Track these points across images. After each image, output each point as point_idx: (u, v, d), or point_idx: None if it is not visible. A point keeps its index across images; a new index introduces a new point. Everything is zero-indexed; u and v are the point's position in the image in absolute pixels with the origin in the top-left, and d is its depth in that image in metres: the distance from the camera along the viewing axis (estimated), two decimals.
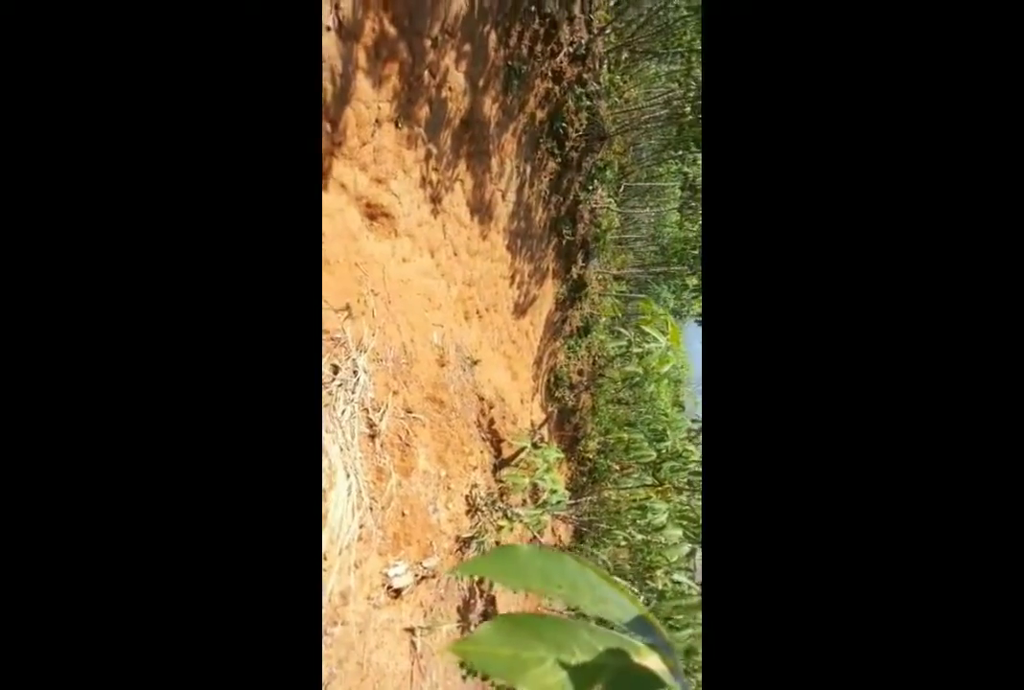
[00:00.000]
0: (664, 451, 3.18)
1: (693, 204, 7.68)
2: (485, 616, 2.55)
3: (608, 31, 5.81)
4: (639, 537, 2.80)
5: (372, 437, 1.92)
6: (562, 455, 3.30)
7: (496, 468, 3.32)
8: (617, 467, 4.09)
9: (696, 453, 2.86)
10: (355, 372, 1.89)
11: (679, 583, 2.25)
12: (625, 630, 0.39)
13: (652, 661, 0.38)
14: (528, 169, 4.58)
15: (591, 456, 6.19)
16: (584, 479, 6.04)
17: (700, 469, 2.82)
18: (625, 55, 7.11)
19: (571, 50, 4.75)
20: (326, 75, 2.13)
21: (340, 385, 1.81)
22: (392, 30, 2.43)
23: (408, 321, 2.72)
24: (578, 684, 0.35)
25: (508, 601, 2.56)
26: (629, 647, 0.38)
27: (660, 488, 3.12)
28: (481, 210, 3.84)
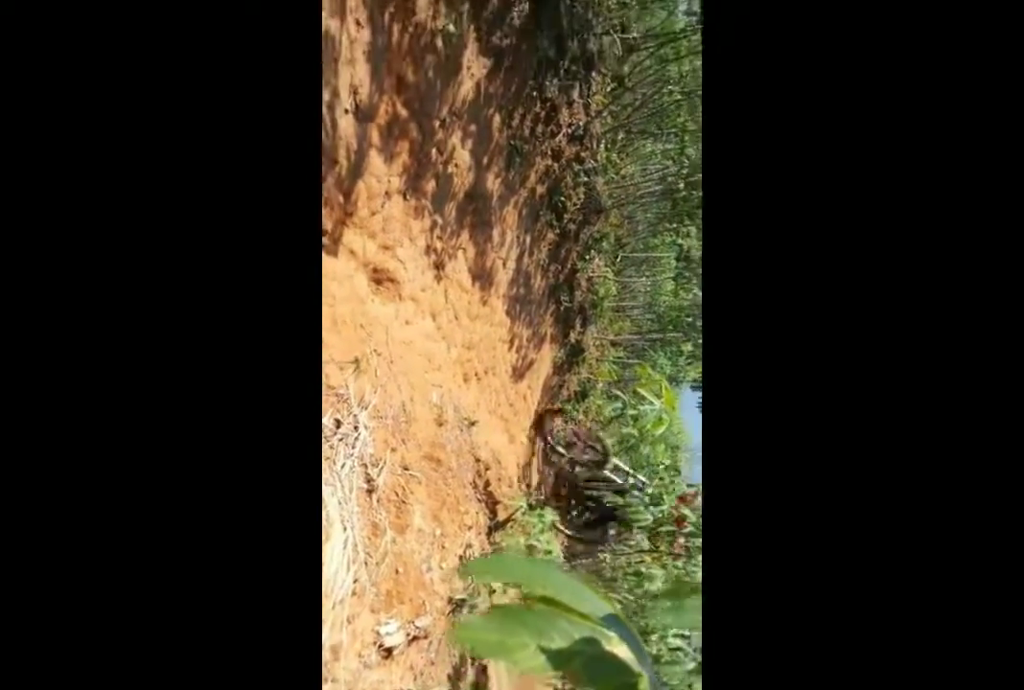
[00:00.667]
0: (661, 515, 3.17)
1: (688, 274, 7.93)
2: (476, 686, 2.48)
3: (605, 114, 6.20)
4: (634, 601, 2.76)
5: (370, 492, 1.96)
6: (558, 518, 3.29)
7: (491, 530, 3.30)
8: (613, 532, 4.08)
9: (692, 517, 2.87)
10: (356, 427, 1.95)
11: (675, 649, 2.21)
12: (600, 624, 0.45)
13: (622, 650, 0.43)
14: (528, 239, 4.80)
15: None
16: (580, 547, 5.92)
17: (695, 534, 2.81)
18: (621, 135, 7.53)
19: (570, 131, 5.07)
20: (342, 152, 2.31)
21: (341, 439, 1.87)
22: (404, 112, 2.65)
23: (409, 381, 2.80)
24: (556, 666, 0.41)
25: (500, 668, 2.50)
26: (602, 637, 0.43)
27: (656, 553, 3.09)
28: (482, 277, 4.00)
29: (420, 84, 2.73)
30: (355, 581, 1.70)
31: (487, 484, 3.58)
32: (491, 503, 3.50)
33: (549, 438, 5.20)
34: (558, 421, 5.78)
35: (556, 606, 0.45)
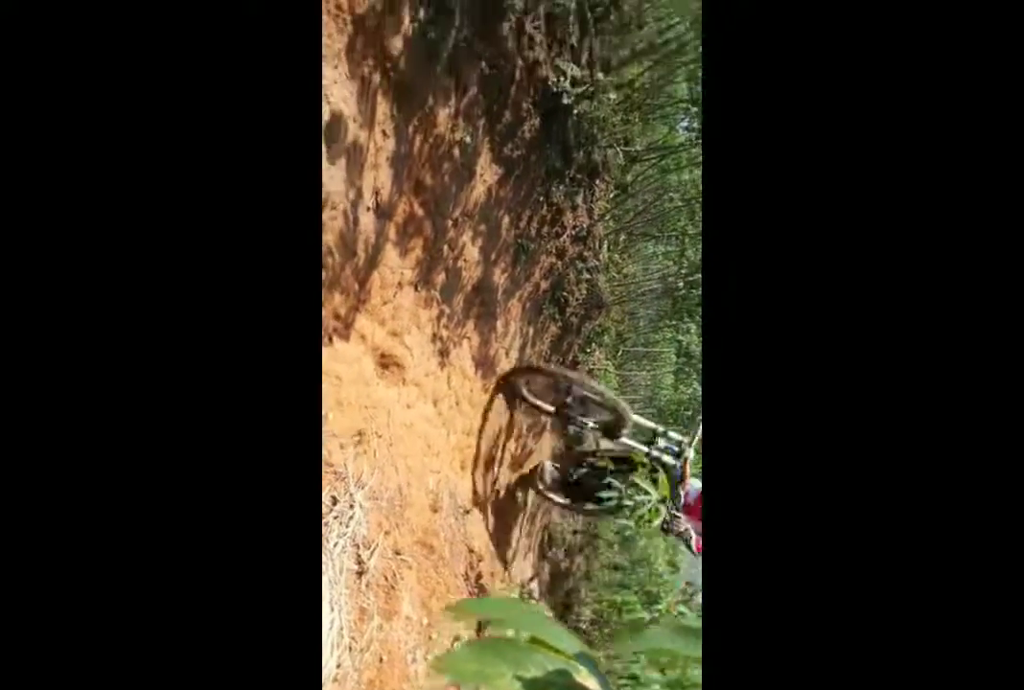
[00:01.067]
0: (660, 613, 3.07)
1: (687, 369, 8.05)
2: None
3: (608, 217, 6.57)
4: None
5: (359, 574, 1.94)
6: (552, 615, 3.17)
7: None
8: (609, 632, 3.87)
9: (689, 615, 2.78)
10: (352, 506, 1.97)
11: None
12: (573, 659, 0.49)
13: (592, 683, 0.48)
14: (531, 331, 4.96)
15: (584, 626, 5.80)
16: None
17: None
18: (623, 237, 7.91)
19: (574, 232, 5.37)
20: (360, 245, 2.50)
21: (336, 517, 1.88)
22: (420, 212, 2.88)
23: (407, 464, 2.82)
24: None
25: None
26: (574, 670, 0.48)
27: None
28: (485, 365, 4.11)
29: (436, 187, 2.98)
30: (338, 666, 1.66)
31: (479, 576, 3.48)
32: (483, 596, 3.39)
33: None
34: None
35: (535, 642, 0.50)
